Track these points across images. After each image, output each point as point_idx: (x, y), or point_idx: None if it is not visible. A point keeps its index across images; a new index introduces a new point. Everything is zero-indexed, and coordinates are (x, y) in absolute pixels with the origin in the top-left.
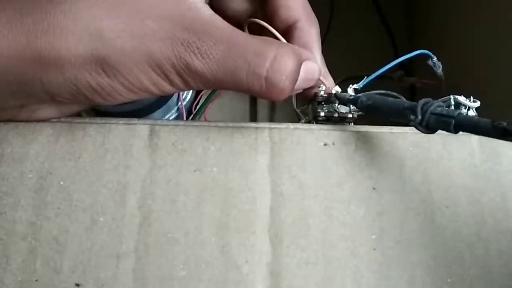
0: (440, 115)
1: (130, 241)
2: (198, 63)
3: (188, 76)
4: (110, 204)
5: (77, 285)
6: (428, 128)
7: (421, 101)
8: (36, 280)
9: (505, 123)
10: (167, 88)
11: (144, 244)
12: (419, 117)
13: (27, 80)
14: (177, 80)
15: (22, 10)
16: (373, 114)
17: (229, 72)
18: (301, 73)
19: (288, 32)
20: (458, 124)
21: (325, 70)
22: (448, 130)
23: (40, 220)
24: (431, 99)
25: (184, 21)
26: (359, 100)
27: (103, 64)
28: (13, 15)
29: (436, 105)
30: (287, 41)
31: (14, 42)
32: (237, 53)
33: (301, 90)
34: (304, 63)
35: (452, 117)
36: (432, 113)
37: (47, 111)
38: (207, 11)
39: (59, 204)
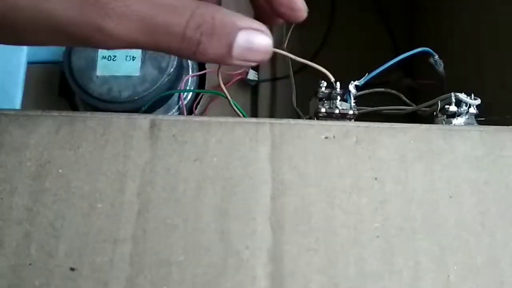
0: None
1: (128, 226)
2: (112, 25)
3: (100, 37)
4: (108, 191)
5: (72, 269)
6: None
7: None
8: (30, 264)
9: None
10: (68, 44)
11: (142, 230)
12: None
13: None
14: (80, 40)
15: None
16: None
17: (147, 32)
18: (240, 40)
19: None
20: None
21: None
22: None
23: (36, 206)
24: None
25: None
26: None
27: None
28: None
29: None
30: None
31: None
32: (155, 12)
33: (253, 63)
34: (243, 30)
35: None
36: None
37: None
38: None
39: (57, 191)
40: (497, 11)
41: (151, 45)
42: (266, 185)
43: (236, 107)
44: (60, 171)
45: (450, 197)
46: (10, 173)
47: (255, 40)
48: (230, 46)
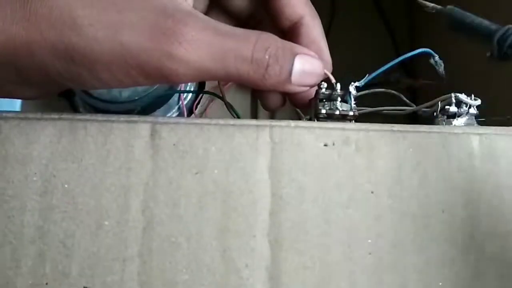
0: None
1: (135, 245)
2: (183, 51)
3: (172, 65)
4: (114, 207)
5: None
6: (506, 59)
7: (499, 32)
8: (46, 284)
9: None
10: (141, 80)
11: (148, 248)
12: (496, 52)
13: (1, 63)
14: (153, 72)
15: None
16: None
17: (216, 58)
18: (296, 64)
19: (293, 29)
20: None
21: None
22: None
23: (47, 224)
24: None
25: (166, 11)
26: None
27: (73, 52)
28: None
29: None
30: (294, 38)
31: None
32: (222, 39)
33: (306, 88)
34: (299, 55)
35: None
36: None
37: (22, 91)
38: (188, 5)
39: (65, 208)
40: (499, 10)
41: (221, 71)
42: (265, 200)
43: (233, 109)
44: (66, 186)
45: (443, 211)
46: (17, 189)
47: (309, 64)
48: (290, 72)
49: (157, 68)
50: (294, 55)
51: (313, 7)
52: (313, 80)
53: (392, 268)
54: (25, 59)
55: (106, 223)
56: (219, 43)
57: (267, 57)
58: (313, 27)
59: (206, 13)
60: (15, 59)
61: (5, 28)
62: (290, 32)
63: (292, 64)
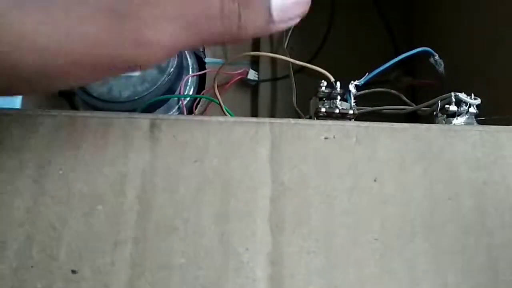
0: None
1: (129, 228)
2: (152, 34)
3: (142, 51)
4: (109, 192)
5: (74, 271)
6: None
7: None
8: (32, 267)
9: None
10: (108, 73)
11: (143, 232)
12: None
13: None
14: (122, 63)
15: None
16: None
17: (189, 29)
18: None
19: None
20: None
21: None
22: None
23: (38, 208)
24: None
25: None
26: None
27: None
28: None
29: None
30: None
31: None
32: (188, 6)
33: (297, 19)
34: None
35: None
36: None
37: None
38: None
39: (57, 193)
40: (497, 10)
41: (195, 38)
42: (266, 187)
43: (228, 112)
44: (61, 172)
45: (449, 199)
46: (11, 174)
47: None
48: (268, 10)
49: (125, 59)
50: None
51: None
52: (300, 9)
53: (401, 253)
54: None
55: (100, 207)
56: (187, 11)
57: (236, 6)
58: None
59: None
60: None
61: None
62: None
63: (269, 2)
